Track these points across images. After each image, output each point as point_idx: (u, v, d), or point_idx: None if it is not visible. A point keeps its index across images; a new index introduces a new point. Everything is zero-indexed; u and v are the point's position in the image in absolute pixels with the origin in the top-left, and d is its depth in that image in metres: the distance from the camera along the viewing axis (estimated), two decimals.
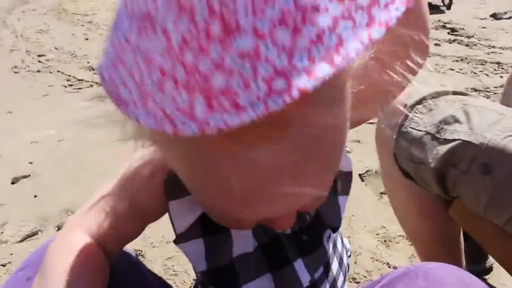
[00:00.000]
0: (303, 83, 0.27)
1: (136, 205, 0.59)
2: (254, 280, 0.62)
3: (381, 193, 2.13)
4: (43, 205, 2.18)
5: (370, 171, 2.31)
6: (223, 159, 0.34)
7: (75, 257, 0.53)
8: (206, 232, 0.60)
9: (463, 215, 1.01)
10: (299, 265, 0.63)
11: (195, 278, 1.66)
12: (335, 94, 0.35)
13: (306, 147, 0.34)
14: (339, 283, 0.74)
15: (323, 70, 0.27)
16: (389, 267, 1.69)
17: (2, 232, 1.96)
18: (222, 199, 0.38)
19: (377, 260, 1.72)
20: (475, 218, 0.96)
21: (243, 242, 0.61)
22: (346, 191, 0.70)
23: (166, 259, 1.77)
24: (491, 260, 1.50)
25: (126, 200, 0.59)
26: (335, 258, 0.74)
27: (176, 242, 0.60)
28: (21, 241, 1.91)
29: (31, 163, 2.62)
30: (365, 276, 1.64)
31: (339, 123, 0.38)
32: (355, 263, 1.70)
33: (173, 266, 1.73)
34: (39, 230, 1.98)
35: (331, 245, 0.72)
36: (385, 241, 1.82)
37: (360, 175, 2.29)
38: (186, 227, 0.59)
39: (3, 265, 1.76)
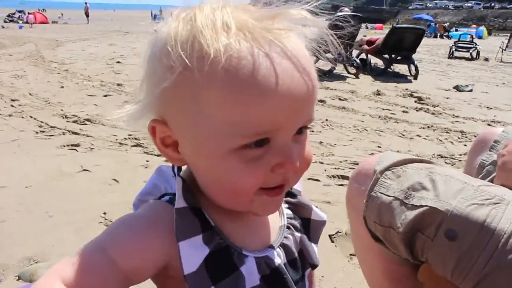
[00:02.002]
0: None
1: (121, 269, 0.59)
2: None
3: (351, 254, 2.15)
4: (4, 252, 2.10)
5: (340, 232, 2.34)
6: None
7: None
8: (215, 279, 0.62)
9: (431, 279, 1.04)
10: None
11: None
12: None
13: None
14: None
15: None
16: None
17: None
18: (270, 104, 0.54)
19: None
20: (443, 283, 0.99)
21: (251, 277, 0.65)
22: (315, 240, 0.78)
23: None
24: None
25: (111, 261, 0.59)
26: None
27: None
28: None
29: None
30: None
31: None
32: None
33: None
34: None
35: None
36: None
37: (330, 236, 2.31)
38: (195, 268, 0.61)
39: None
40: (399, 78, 9.20)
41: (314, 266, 0.77)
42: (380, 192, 1.07)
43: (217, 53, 0.53)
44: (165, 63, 0.56)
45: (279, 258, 0.69)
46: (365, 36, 12.98)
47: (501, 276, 0.89)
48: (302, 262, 0.74)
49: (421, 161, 1.13)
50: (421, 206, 1.00)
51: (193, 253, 0.61)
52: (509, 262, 0.87)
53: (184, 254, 0.61)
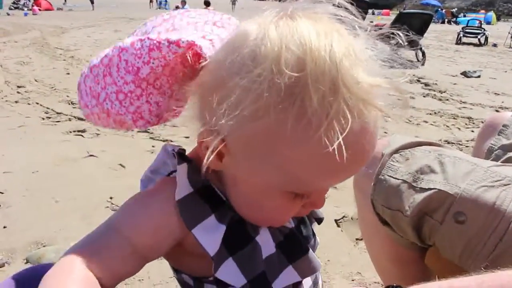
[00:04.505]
0: None
1: (137, 246, 0.60)
2: (280, 275, 0.68)
3: (357, 239, 2.15)
4: (12, 236, 2.11)
5: (346, 217, 2.33)
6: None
7: (74, 286, 0.53)
8: (232, 251, 0.64)
9: (438, 264, 1.03)
10: (311, 254, 0.71)
11: None
12: None
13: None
14: None
15: None
16: None
17: None
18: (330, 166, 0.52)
19: None
20: (450, 267, 0.98)
21: (267, 245, 0.67)
22: None
23: None
24: None
25: (126, 239, 0.59)
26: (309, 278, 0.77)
27: (215, 271, 0.62)
28: None
29: (2, 193, 2.56)
30: None
31: None
32: None
33: None
34: (6, 263, 1.92)
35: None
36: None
37: (336, 220, 2.31)
38: (218, 247, 0.62)
39: None
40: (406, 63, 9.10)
41: (320, 220, 0.79)
42: (388, 175, 1.06)
43: (320, 117, 0.49)
44: (255, 97, 0.50)
45: (289, 223, 0.70)
46: (371, 22, 12.84)
47: (511, 259, 0.88)
48: (309, 219, 0.76)
49: (430, 144, 1.11)
50: (430, 189, 0.98)
51: (210, 235, 0.62)
52: None
53: (202, 239, 0.62)
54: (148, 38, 0.61)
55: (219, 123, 0.54)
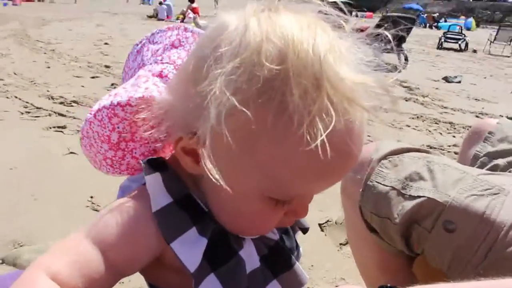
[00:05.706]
0: None
1: (112, 261, 0.56)
2: None
3: (341, 244, 2.15)
4: None
5: (330, 221, 2.33)
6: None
7: None
8: (214, 266, 0.60)
9: (426, 272, 1.02)
10: (298, 267, 0.69)
11: None
12: None
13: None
14: None
15: None
16: None
17: None
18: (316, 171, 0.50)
19: None
20: (438, 276, 0.97)
21: (251, 260, 0.64)
22: None
23: None
24: None
25: (101, 253, 0.55)
26: None
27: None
28: None
29: None
30: None
31: None
32: None
33: None
34: None
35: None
36: None
37: (320, 225, 2.30)
38: (198, 262, 0.58)
39: None
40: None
41: (305, 230, 0.76)
42: (376, 182, 1.05)
43: (301, 114, 0.46)
44: (233, 90, 0.48)
45: (273, 234, 0.68)
46: (355, 23, 12.92)
47: (500, 269, 0.87)
48: (292, 228, 0.73)
49: (418, 150, 1.11)
50: (419, 196, 0.97)
51: (191, 249, 0.58)
52: (508, 254, 0.86)
53: (182, 254, 0.57)
54: (104, 107, 0.62)
55: (196, 121, 0.52)
